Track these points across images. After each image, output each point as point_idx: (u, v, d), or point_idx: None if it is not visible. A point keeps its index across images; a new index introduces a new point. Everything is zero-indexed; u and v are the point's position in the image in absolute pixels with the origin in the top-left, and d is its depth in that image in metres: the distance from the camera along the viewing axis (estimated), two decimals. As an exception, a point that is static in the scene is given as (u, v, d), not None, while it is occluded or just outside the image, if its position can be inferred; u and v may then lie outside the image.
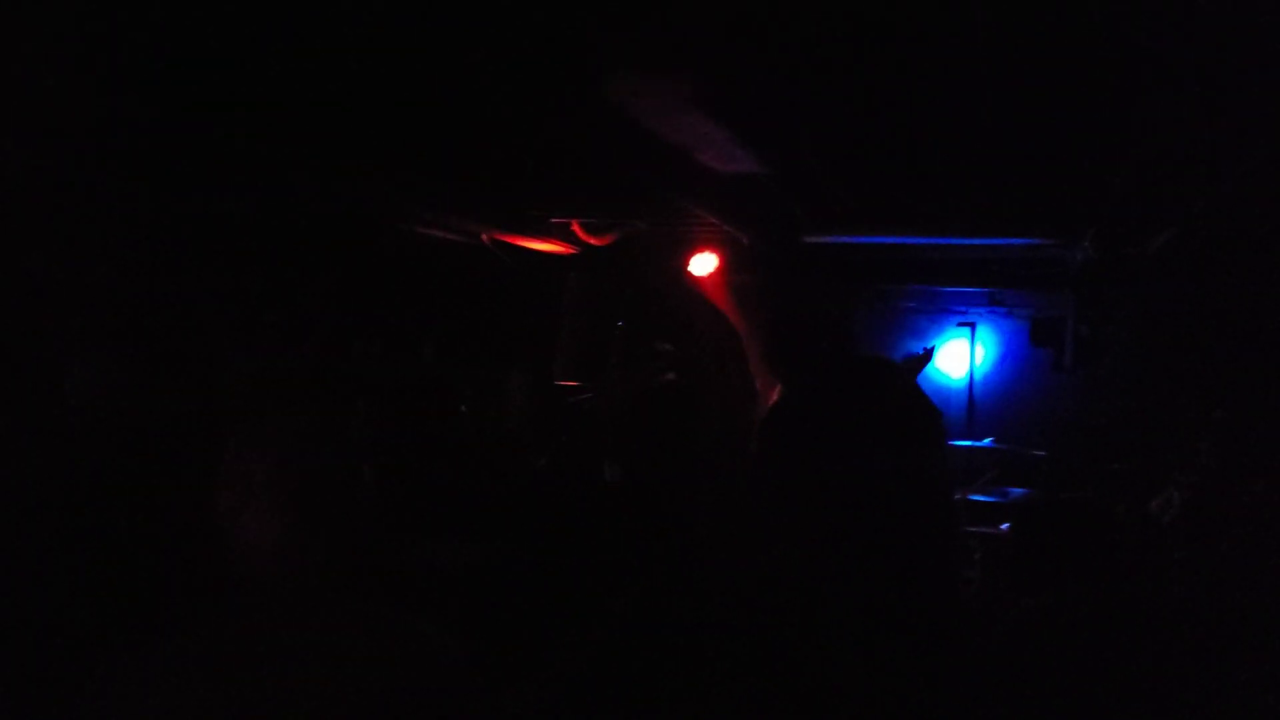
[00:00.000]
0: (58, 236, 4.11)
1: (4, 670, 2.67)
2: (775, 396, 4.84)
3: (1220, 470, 4.08)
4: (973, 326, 7.18)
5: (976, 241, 6.14)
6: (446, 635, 1.81)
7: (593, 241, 6.32)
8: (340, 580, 1.79)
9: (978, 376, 7.10)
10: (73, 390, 3.81)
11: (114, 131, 3.57)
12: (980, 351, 7.22)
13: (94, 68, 2.91)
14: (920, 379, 4.62)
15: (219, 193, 4.54)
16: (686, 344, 4.49)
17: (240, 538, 1.75)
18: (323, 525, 1.77)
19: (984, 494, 5.92)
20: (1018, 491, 5.94)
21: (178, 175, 4.18)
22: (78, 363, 3.84)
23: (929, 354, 4.65)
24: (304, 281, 5.45)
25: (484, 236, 6.27)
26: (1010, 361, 7.40)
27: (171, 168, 4.05)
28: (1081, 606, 3.12)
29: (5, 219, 3.90)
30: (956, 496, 5.27)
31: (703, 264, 6.85)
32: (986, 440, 6.63)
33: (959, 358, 7.35)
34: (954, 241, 6.20)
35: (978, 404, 7.29)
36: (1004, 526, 5.27)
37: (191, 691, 1.59)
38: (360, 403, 4.13)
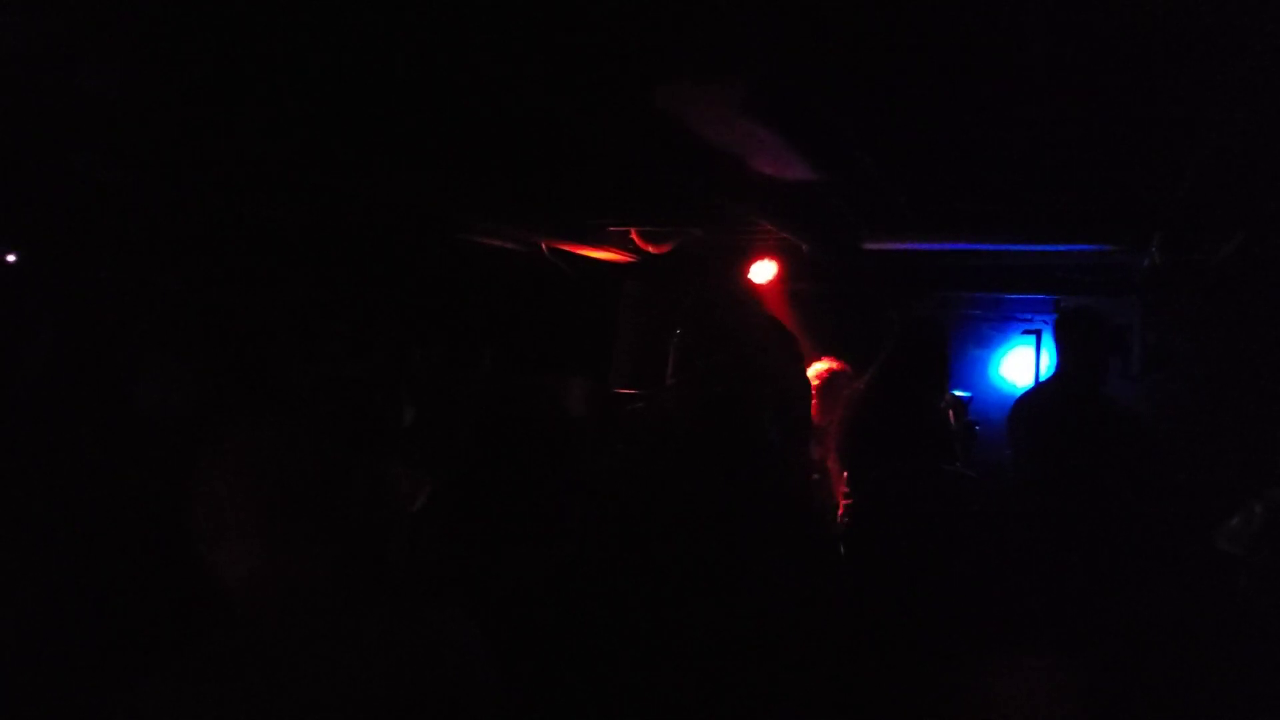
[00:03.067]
0: (127, 246, 4.20)
1: (48, 673, 2.72)
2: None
3: None
4: (1038, 334, 7.05)
5: (1041, 248, 6.04)
6: (479, 646, 1.78)
7: (650, 249, 6.32)
8: (376, 586, 1.77)
9: (1044, 384, 6.97)
10: (144, 398, 3.88)
11: (180, 144, 3.64)
12: (1046, 359, 7.08)
13: (160, 83, 2.98)
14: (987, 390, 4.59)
15: (281, 203, 4.62)
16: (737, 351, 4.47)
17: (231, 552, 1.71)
18: (345, 533, 1.74)
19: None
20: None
21: (240, 187, 4.26)
22: (148, 371, 3.92)
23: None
24: (366, 291, 5.52)
25: (542, 245, 6.31)
26: (1077, 369, 7.25)
27: (234, 180, 4.13)
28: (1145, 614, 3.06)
29: (79, 231, 4.00)
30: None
31: (761, 272, 6.82)
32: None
33: (1025, 365, 7.23)
34: (1018, 248, 6.11)
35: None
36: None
37: (210, 699, 1.58)
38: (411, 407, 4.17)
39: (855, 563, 3.55)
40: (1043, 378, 6.66)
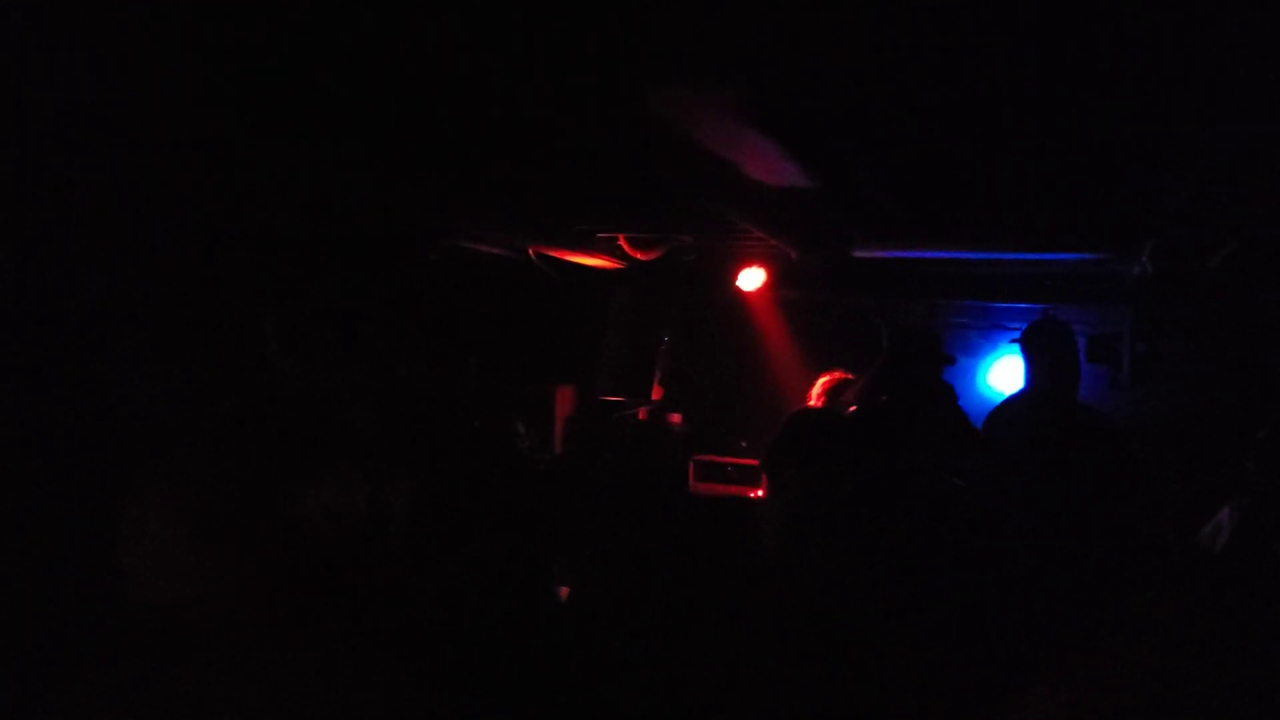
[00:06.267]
0: (112, 251, 4.16)
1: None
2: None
3: (1266, 490, 3.96)
4: (1027, 343, 7.03)
5: (1030, 256, 6.04)
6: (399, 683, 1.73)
7: (639, 256, 6.29)
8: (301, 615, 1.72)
9: (1032, 393, 6.96)
10: (125, 402, 3.84)
11: (165, 148, 3.61)
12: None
13: (142, 88, 2.94)
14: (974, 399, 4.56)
15: (267, 209, 4.58)
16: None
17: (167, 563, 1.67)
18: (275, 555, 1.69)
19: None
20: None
21: (226, 191, 4.22)
22: (131, 376, 3.88)
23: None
24: (353, 298, 5.48)
25: (530, 251, 6.28)
26: (1065, 378, 7.23)
27: (220, 183, 4.09)
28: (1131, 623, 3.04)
29: (61, 234, 3.96)
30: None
31: (750, 279, 6.80)
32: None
33: (1012, 374, 7.21)
34: (1007, 256, 6.10)
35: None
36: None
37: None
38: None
39: (853, 569, 3.52)
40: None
